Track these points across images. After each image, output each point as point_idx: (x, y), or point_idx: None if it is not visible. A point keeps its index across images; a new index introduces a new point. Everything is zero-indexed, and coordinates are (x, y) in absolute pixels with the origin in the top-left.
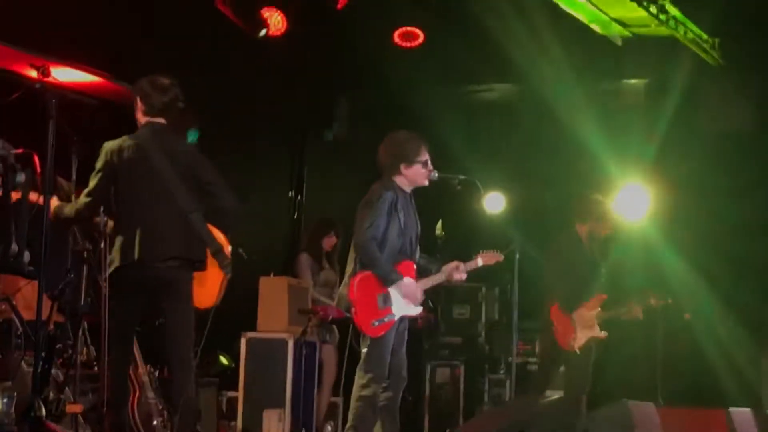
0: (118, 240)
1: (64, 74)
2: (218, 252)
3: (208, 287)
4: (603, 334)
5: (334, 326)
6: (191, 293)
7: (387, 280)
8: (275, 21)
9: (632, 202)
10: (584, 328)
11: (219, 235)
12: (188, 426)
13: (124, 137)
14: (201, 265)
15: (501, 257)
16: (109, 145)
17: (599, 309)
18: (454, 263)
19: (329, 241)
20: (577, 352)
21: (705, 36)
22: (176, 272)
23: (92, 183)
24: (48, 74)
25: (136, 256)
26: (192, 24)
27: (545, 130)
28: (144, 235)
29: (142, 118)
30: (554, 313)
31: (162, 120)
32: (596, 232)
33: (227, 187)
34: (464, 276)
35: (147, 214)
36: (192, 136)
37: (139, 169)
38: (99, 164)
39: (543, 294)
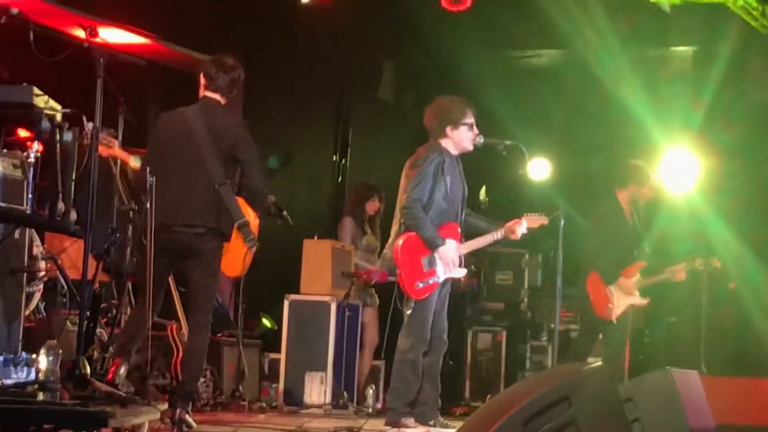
0: (155, 211)
1: (112, 35)
2: (243, 226)
3: (231, 258)
4: (644, 301)
5: (374, 290)
6: (215, 262)
7: (431, 243)
8: None
9: (678, 169)
10: (622, 296)
11: (248, 210)
12: (187, 390)
13: (179, 108)
14: (226, 236)
15: (546, 220)
16: (163, 115)
17: (638, 276)
18: (515, 220)
19: (372, 206)
20: (614, 321)
21: (755, 3)
22: (201, 239)
23: (146, 152)
24: (96, 34)
25: (161, 219)
26: None
27: (591, 97)
28: (172, 202)
29: (202, 92)
30: (590, 282)
31: (217, 96)
32: (637, 198)
33: (260, 167)
34: (525, 230)
35: (180, 182)
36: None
37: (180, 140)
38: (152, 132)
39: (583, 262)
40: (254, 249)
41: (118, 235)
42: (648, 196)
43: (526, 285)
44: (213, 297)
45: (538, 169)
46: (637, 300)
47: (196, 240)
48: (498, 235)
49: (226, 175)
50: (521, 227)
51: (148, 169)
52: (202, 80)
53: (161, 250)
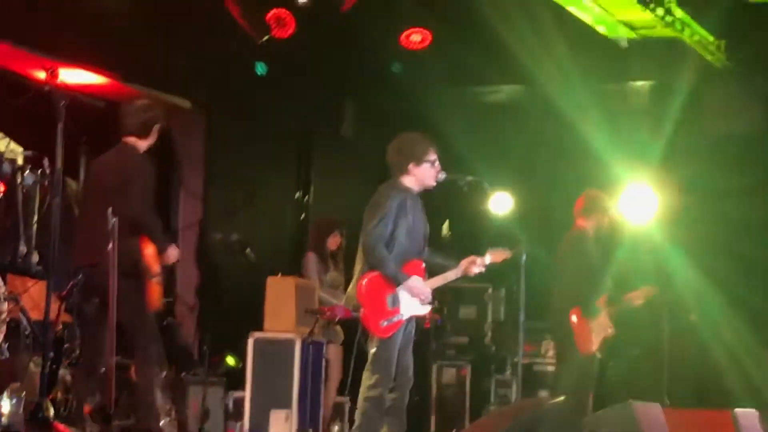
0: None
1: (73, 75)
2: (137, 262)
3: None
4: (612, 330)
5: (339, 326)
6: (120, 296)
7: (395, 280)
8: (283, 23)
9: (638, 203)
10: (600, 331)
11: (148, 247)
12: (143, 428)
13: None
14: (124, 270)
15: (509, 254)
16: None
17: (606, 308)
18: (471, 257)
19: (334, 241)
20: (598, 355)
21: (711, 38)
22: (101, 277)
23: None
24: (56, 76)
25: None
26: (200, 24)
27: (551, 131)
28: (78, 242)
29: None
30: (576, 318)
31: (130, 139)
32: (602, 226)
33: (138, 195)
34: (482, 269)
35: (83, 222)
36: (260, 68)
37: (88, 184)
38: None
39: (558, 299)
40: (157, 283)
41: (80, 275)
42: (607, 226)
43: (489, 319)
44: (141, 332)
45: (500, 203)
46: (608, 332)
47: (96, 277)
48: (457, 272)
49: (121, 211)
50: (476, 266)
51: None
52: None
53: (81, 290)
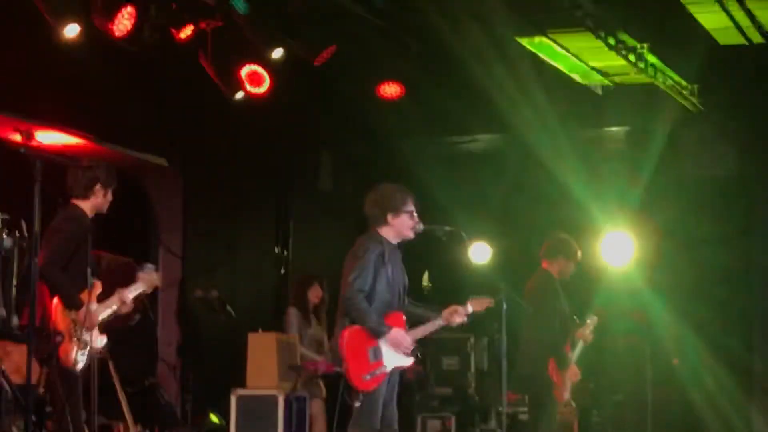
0: None
1: (49, 137)
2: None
3: None
4: (579, 377)
5: (321, 381)
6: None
7: (376, 332)
8: (257, 79)
9: (616, 248)
10: (571, 377)
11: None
12: None
13: None
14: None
15: (491, 302)
16: None
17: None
18: (452, 307)
19: (315, 293)
20: (573, 404)
21: (684, 83)
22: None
23: None
24: (32, 138)
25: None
26: (174, 82)
27: (529, 179)
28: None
29: None
30: (553, 369)
31: (74, 201)
32: (565, 271)
33: (50, 256)
34: (464, 319)
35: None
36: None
37: None
38: None
39: (533, 346)
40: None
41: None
42: (572, 271)
43: (472, 369)
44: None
45: (479, 252)
46: (576, 379)
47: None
48: (439, 322)
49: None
50: (459, 316)
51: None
52: None
53: None
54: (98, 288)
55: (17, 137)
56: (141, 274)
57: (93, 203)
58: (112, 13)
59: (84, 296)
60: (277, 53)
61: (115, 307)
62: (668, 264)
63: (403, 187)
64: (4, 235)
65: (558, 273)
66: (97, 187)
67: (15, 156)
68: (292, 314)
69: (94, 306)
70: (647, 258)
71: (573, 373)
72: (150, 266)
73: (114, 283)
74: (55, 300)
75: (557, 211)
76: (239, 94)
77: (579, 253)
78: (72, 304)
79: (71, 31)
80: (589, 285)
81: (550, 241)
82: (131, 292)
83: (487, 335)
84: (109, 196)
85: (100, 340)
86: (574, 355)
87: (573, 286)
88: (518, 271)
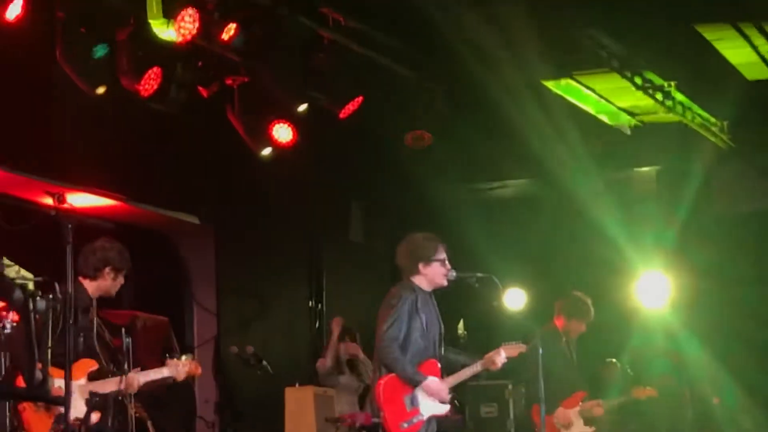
0: None
1: (80, 199)
2: None
3: None
4: (590, 429)
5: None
6: None
7: (412, 380)
8: (284, 134)
9: (652, 288)
10: (567, 426)
11: None
12: None
13: None
14: None
15: (524, 348)
16: None
17: (579, 405)
18: (492, 352)
19: (345, 347)
20: None
21: (713, 119)
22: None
23: None
24: (64, 201)
25: None
26: (203, 138)
27: (563, 222)
28: None
29: None
30: (536, 412)
31: (80, 279)
32: (575, 331)
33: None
34: (504, 360)
35: None
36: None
37: None
38: None
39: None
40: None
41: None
42: (583, 331)
43: (511, 416)
44: None
45: (514, 298)
46: (582, 429)
47: None
48: (478, 367)
49: None
50: (500, 357)
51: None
52: None
53: None
54: (90, 366)
55: (49, 200)
56: (171, 362)
57: (99, 285)
58: (139, 74)
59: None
60: (302, 107)
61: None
62: (705, 304)
63: (433, 235)
64: (38, 298)
65: (568, 331)
66: (107, 269)
67: (47, 219)
68: (322, 365)
69: (81, 382)
70: (683, 298)
71: (569, 425)
72: (187, 356)
73: (150, 342)
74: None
75: (592, 253)
76: (267, 150)
77: (592, 314)
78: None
79: (100, 91)
80: (624, 326)
81: (567, 300)
82: (148, 376)
83: (525, 381)
84: (120, 280)
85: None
86: (606, 404)
87: (608, 326)
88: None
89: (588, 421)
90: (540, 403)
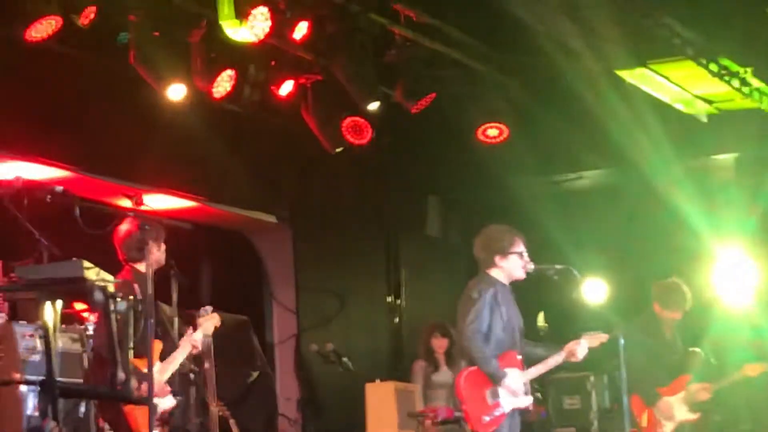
0: None
1: (157, 201)
2: None
3: None
4: (694, 416)
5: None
6: None
7: (494, 376)
8: (358, 130)
9: (734, 277)
10: (669, 416)
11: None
12: None
13: None
14: None
15: (605, 337)
16: None
17: (684, 391)
18: (570, 343)
19: (438, 343)
20: None
21: None
22: None
23: None
24: (141, 203)
25: None
26: (278, 137)
27: (642, 212)
28: None
29: None
30: (635, 404)
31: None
32: (669, 317)
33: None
34: (585, 351)
35: None
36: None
37: None
38: None
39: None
40: None
41: (180, 397)
42: (677, 316)
43: (594, 407)
44: None
45: (595, 289)
46: (687, 416)
47: None
48: (559, 358)
49: None
50: (581, 348)
51: None
52: None
53: None
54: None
55: (127, 203)
56: (200, 319)
57: (151, 260)
58: (212, 76)
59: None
60: (374, 106)
61: (182, 356)
62: None
63: (511, 228)
64: (118, 299)
65: (664, 316)
66: (150, 244)
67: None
68: (418, 367)
69: (156, 367)
70: (765, 286)
71: (675, 413)
72: (207, 308)
73: (232, 342)
74: None
75: (672, 242)
76: (341, 147)
77: (684, 298)
78: None
79: (176, 93)
80: (705, 315)
81: (663, 287)
82: (196, 337)
83: (607, 372)
84: (163, 247)
85: (168, 401)
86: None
87: (688, 315)
88: (634, 303)
89: (693, 407)
90: (623, 395)
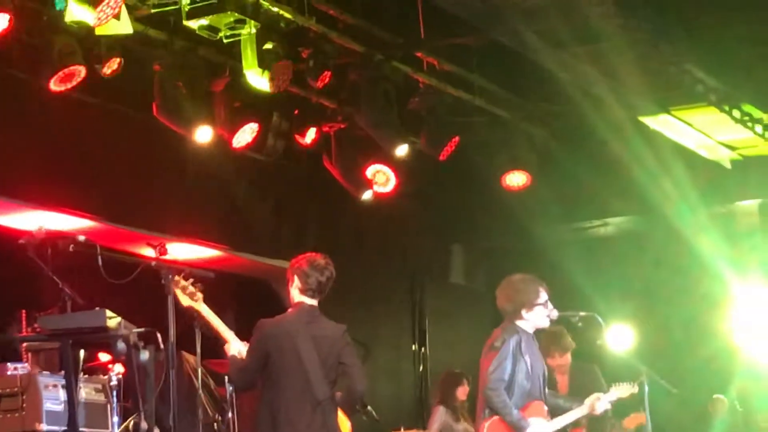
0: (257, 421)
1: (181, 250)
2: None
3: None
4: None
5: None
6: None
7: (518, 426)
8: (384, 179)
9: (758, 323)
10: None
11: (344, 420)
12: None
13: (278, 317)
14: None
15: (636, 389)
16: (266, 324)
17: None
18: (595, 395)
19: (463, 391)
20: None
21: None
22: None
23: (247, 360)
24: (164, 252)
25: None
26: (301, 184)
27: (667, 258)
28: (277, 421)
29: (296, 296)
30: None
31: (314, 301)
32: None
33: (362, 370)
34: (608, 406)
35: (284, 400)
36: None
37: (286, 357)
38: (254, 343)
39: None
40: None
41: None
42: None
43: None
44: None
45: (621, 335)
46: None
47: None
48: (585, 410)
49: (329, 389)
50: (601, 403)
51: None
52: (297, 282)
53: None
54: None
55: (150, 252)
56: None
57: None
58: (235, 126)
59: None
60: (401, 151)
61: None
62: None
63: (533, 277)
64: (141, 349)
65: None
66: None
67: (149, 270)
68: (439, 412)
69: None
70: None
71: None
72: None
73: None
74: None
75: (697, 288)
76: (367, 194)
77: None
78: None
79: (203, 135)
80: (730, 360)
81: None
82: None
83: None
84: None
85: None
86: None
87: (714, 361)
88: (661, 351)
89: None
90: None
